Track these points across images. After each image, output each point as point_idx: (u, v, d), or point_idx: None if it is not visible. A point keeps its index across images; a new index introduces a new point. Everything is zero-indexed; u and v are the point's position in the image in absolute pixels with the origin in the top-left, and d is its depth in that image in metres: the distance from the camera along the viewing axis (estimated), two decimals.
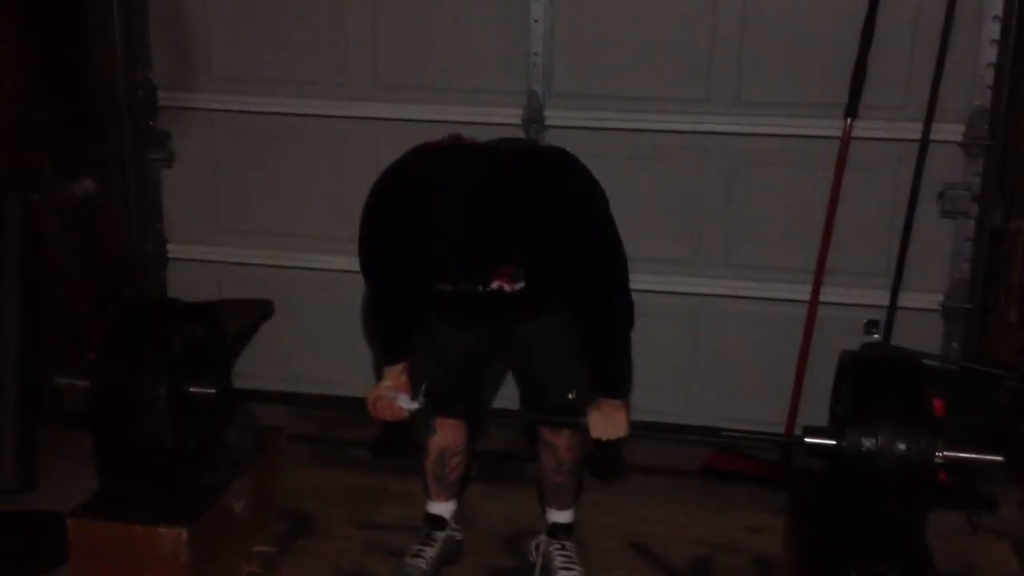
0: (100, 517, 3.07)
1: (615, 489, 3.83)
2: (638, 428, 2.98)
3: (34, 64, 3.91)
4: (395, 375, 3.03)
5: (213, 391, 3.14)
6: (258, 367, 4.31)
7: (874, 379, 2.81)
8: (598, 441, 2.93)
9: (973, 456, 2.73)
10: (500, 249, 2.52)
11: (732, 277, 4.07)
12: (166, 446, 3.00)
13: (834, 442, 2.77)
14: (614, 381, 2.93)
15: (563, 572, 3.19)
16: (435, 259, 2.44)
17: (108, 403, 2.97)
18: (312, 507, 3.63)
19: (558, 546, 3.24)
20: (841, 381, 2.94)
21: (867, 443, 2.65)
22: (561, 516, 3.26)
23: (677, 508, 3.71)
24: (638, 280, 3.77)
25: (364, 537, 3.48)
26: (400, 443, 3.92)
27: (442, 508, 3.29)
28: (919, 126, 3.70)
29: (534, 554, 3.27)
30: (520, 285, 2.78)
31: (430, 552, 3.23)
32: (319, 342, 4.43)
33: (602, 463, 3.78)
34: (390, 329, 3.07)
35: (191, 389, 3.10)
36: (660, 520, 3.60)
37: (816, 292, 3.84)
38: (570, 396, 2.99)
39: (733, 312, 4.11)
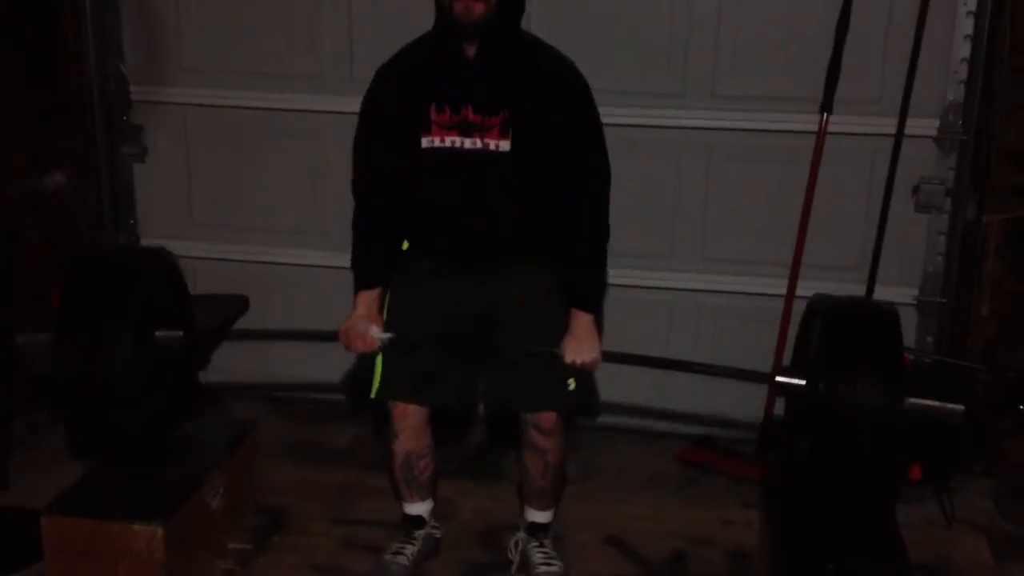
0: (75, 514, 3.04)
1: (591, 483, 3.84)
2: (609, 359, 2.94)
3: (5, 57, 3.87)
4: (367, 303, 2.98)
5: (180, 334, 3.09)
6: (232, 363, 4.29)
7: (849, 323, 2.83)
8: (572, 369, 2.91)
9: (936, 404, 2.76)
10: (502, 75, 2.74)
11: (708, 271, 4.08)
12: (134, 392, 2.93)
13: (805, 382, 2.78)
14: (589, 290, 2.95)
15: (543, 567, 3.17)
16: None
17: (73, 351, 2.89)
18: (288, 503, 3.62)
19: (536, 544, 3.23)
20: (810, 325, 2.96)
21: (840, 384, 2.66)
22: (541, 516, 3.24)
23: (652, 502, 3.71)
24: (614, 275, 3.78)
25: (340, 533, 3.47)
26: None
27: (419, 508, 3.26)
28: (894, 121, 3.71)
29: (512, 551, 3.26)
30: (507, 145, 2.78)
31: (410, 550, 3.21)
32: (295, 337, 4.40)
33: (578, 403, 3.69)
34: (367, 244, 2.99)
35: (157, 333, 3.04)
36: (636, 514, 3.60)
37: (792, 286, 3.85)
38: (570, 386, 3.00)
39: (709, 306, 4.12)
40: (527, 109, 2.78)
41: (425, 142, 2.83)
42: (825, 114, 3.73)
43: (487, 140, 2.79)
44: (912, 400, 2.69)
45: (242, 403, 4.32)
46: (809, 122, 3.78)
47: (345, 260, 3.08)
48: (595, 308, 2.94)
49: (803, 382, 2.79)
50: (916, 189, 3.85)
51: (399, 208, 2.94)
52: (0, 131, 3.85)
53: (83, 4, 4.12)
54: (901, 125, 3.71)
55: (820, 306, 2.93)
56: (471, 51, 2.78)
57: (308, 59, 4.15)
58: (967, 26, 3.70)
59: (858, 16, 3.67)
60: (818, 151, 3.76)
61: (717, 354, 4.08)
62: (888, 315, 2.85)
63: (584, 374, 2.98)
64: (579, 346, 2.89)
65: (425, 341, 2.99)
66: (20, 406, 3.84)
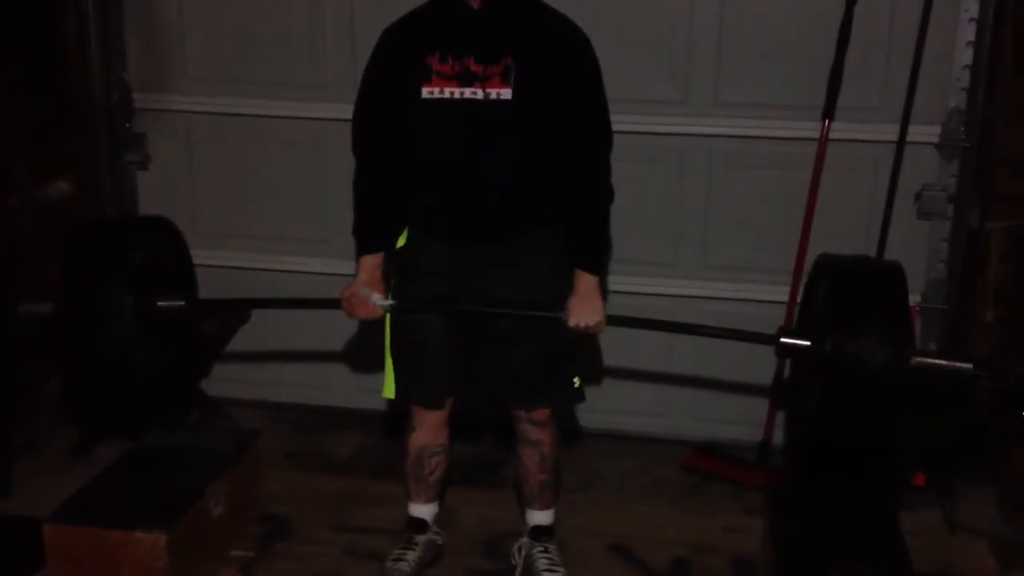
0: (77, 522, 3.04)
1: (594, 491, 3.84)
2: (614, 322, 2.92)
3: (9, 65, 3.88)
4: (369, 270, 2.97)
5: (182, 303, 3.09)
6: (235, 371, 4.29)
7: (856, 280, 2.84)
8: (576, 333, 2.88)
9: (943, 362, 2.76)
10: (507, 29, 2.76)
11: (711, 278, 4.08)
12: (136, 360, 2.92)
13: (809, 343, 2.79)
14: (593, 251, 2.93)
15: (547, 574, 3.17)
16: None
17: (75, 319, 2.88)
18: (290, 511, 3.61)
19: (541, 548, 3.22)
20: (816, 284, 2.95)
21: (845, 340, 2.66)
22: (544, 517, 3.23)
23: (655, 509, 3.71)
24: (616, 282, 3.78)
25: (342, 540, 3.47)
26: None
27: (423, 511, 3.27)
28: (896, 128, 3.72)
29: (516, 557, 3.26)
30: (508, 93, 2.76)
31: (412, 556, 3.21)
32: (296, 346, 4.41)
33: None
34: (369, 207, 2.97)
35: (159, 303, 3.04)
36: (638, 522, 3.59)
37: (795, 293, 3.85)
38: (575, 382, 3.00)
39: (712, 313, 4.10)
40: (530, 57, 2.77)
41: (425, 92, 2.80)
42: (827, 121, 3.74)
43: (488, 89, 2.77)
44: (918, 359, 2.68)
45: (244, 411, 4.31)
46: (811, 129, 3.78)
47: (348, 267, 3.08)
48: (599, 269, 2.92)
49: (807, 343, 2.78)
50: (918, 196, 3.84)
51: (401, 167, 2.90)
52: (3, 139, 3.85)
53: (86, 12, 4.12)
54: (903, 132, 3.71)
55: (825, 264, 2.93)
56: (475, 2, 2.78)
57: (311, 67, 4.16)
58: (969, 33, 3.69)
59: (860, 23, 3.67)
60: (820, 158, 3.76)
61: (719, 361, 4.10)
62: (893, 271, 2.85)
63: (588, 337, 2.96)
64: (583, 308, 2.86)
65: (426, 306, 2.98)
66: (22, 414, 3.84)
